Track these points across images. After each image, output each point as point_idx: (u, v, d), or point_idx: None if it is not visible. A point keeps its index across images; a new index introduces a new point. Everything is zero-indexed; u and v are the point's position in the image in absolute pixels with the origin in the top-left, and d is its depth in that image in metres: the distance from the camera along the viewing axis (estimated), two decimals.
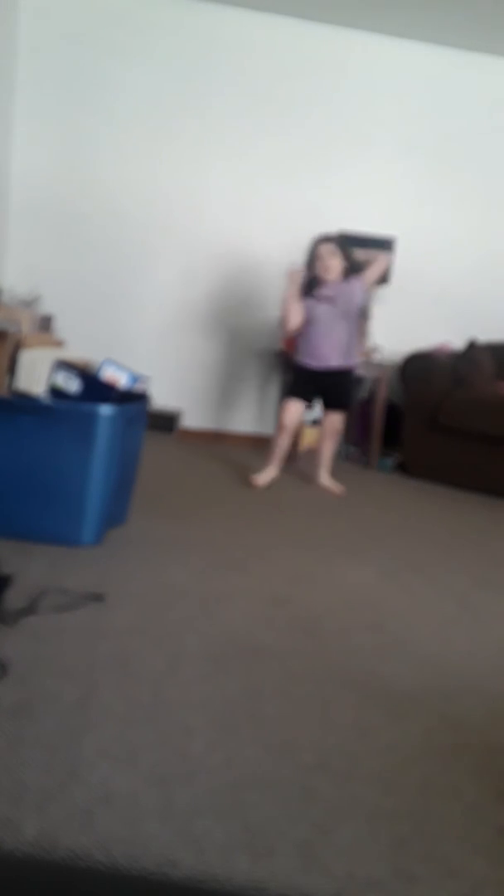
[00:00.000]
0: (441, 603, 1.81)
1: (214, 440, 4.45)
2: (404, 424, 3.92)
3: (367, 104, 4.32)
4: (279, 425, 3.09)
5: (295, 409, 3.06)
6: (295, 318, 3.10)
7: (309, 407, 3.18)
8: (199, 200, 4.27)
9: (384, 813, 0.92)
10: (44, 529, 1.89)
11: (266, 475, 3.08)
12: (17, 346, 3.00)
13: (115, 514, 2.04)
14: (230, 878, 0.78)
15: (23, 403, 1.92)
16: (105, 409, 1.84)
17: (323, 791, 0.95)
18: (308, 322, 3.10)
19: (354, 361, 3.18)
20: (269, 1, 4.02)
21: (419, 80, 4.36)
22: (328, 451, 3.23)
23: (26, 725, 1.03)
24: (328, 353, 3.08)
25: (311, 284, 3.07)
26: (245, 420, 4.55)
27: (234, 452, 4.06)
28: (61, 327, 4.10)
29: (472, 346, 3.87)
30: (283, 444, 3.10)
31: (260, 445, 4.55)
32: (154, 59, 4.11)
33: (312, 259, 3.05)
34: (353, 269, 3.06)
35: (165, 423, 4.25)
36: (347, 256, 3.07)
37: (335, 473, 3.42)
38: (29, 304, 3.72)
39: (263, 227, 4.36)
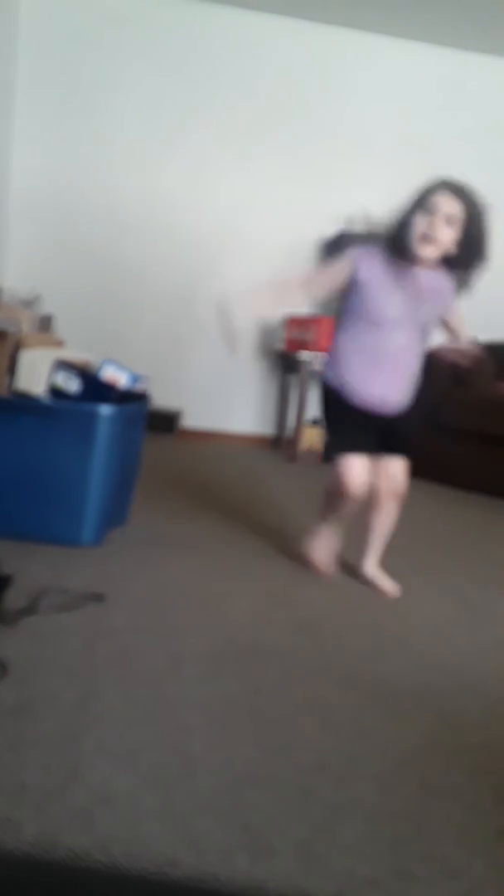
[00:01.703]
0: (441, 603, 1.81)
1: (214, 440, 4.46)
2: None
3: (367, 104, 4.32)
4: (338, 492, 1.81)
5: (362, 468, 1.78)
6: (323, 284, 1.92)
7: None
8: (199, 199, 4.28)
9: (384, 813, 0.92)
10: (44, 529, 1.89)
11: (323, 549, 1.95)
12: (17, 346, 2.99)
13: (115, 514, 2.04)
14: (230, 878, 0.78)
15: (23, 403, 1.92)
16: (105, 409, 1.84)
17: (323, 791, 0.95)
18: (367, 322, 1.77)
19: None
20: (270, 1, 4.02)
21: (419, 80, 4.36)
22: (383, 526, 1.93)
23: (26, 725, 1.03)
24: (396, 386, 1.81)
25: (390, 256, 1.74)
26: (245, 420, 4.55)
27: (234, 452, 4.06)
28: (61, 327, 4.09)
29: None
30: (346, 512, 1.89)
31: (260, 445, 4.55)
32: (154, 59, 4.11)
33: (414, 207, 1.70)
34: (470, 254, 1.72)
35: (165, 423, 4.25)
36: (475, 231, 1.69)
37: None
38: (29, 304, 3.72)
39: (264, 226, 4.36)
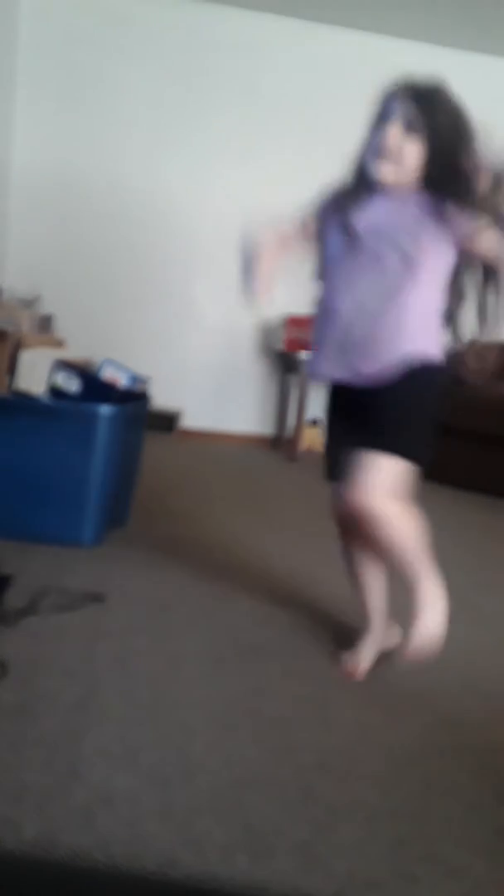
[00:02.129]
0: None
1: (214, 440, 4.46)
2: None
3: (367, 104, 4.32)
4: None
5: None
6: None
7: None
8: (198, 199, 4.28)
9: (384, 813, 0.92)
10: (44, 530, 1.89)
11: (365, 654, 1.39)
12: (17, 346, 2.99)
13: (115, 514, 2.04)
14: (230, 878, 0.78)
15: (23, 403, 1.92)
16: (105, 409, 1.84)
17: (323, 791, 0.95)
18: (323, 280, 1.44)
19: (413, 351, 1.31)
20: (269, 1, 4.02)
21: None
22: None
23: (26, 725, 1.03)
24: (357, 353, 1.33)
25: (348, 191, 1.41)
26: (245, 420, 4.55)
27: (234, 452, 4.06)
28: (61, 327, 4.09)
29: (472, 346, 3.87)
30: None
31: (260, 445, 4.55)
32: (154, 59, 4.11)
33: (372, 123, 1.34)
34: (446, 173, 1.26)
35: (165, 423, 4.25)
36: (447, 141, 1.27)
37: None
38: (29, 304, 3.72)
39: (264, 226, 4.35)
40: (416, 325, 1.32)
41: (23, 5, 3.94)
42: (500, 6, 3.79)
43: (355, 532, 1.36)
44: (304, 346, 3.97)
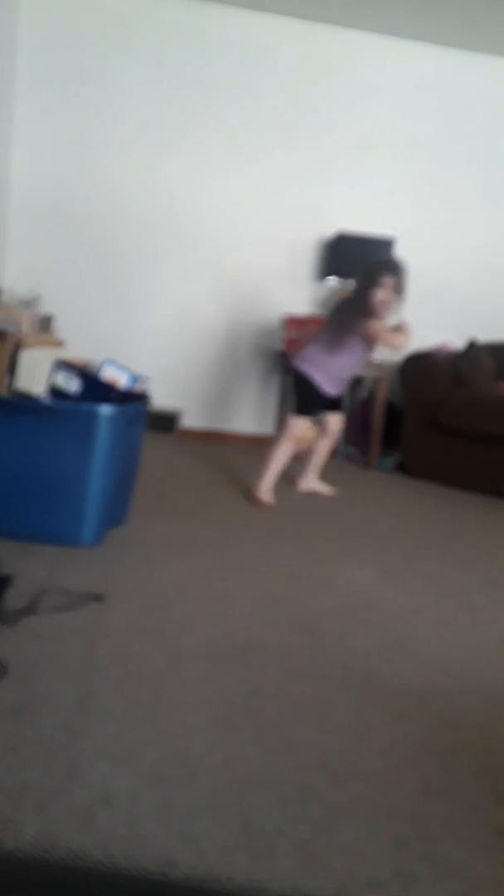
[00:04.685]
0: (441, 603, 1.81)
1: (214, 440, 4.46)
2: (404, 424, 3.92)
3: (367, 104, 4.32)
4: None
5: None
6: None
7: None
8: (199, 199, 4.28)
9: (384, 813, 0.92)
10: (44, 529, 1.89)
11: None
12: (17, 346, 2.99)
13: (115, 514, 2.04)
14: (230, 878, 0.78)
15: (23, 403, 1.92)
16: (105, 409, 1.84)
17: (323, 791, 0.95)
18: (333, 348, 2.83)
19: None
20: (270, 1, 4.02)
21: (419, 80, 4.36)
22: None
23: (26, 725, 1.03)
24: (345, 381, 3.00)
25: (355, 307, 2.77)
26: (245, 420, 4.55)
27: (233, 452, 4.06)
28: (61, 327, 4.10)
29: (472, 346, 3.87)
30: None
31: (260, 445, 4.55)
32: (154, 59, 4.11)
33: (367, 281, 2.73)
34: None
35: (165, 423, 4.25)
36: (399, 292, 2.74)
37: (337, 474, 3.41)
38: (29, 304, 3.72)
39: (264, 226, 4.36)
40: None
41: (23, 5, 3.94)
42: (500, 6, 3.79)
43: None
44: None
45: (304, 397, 2.91)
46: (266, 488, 2.82)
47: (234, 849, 0.82)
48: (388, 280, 2.69)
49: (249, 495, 2.84)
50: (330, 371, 2.87)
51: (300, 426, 2.89)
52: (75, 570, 1.72)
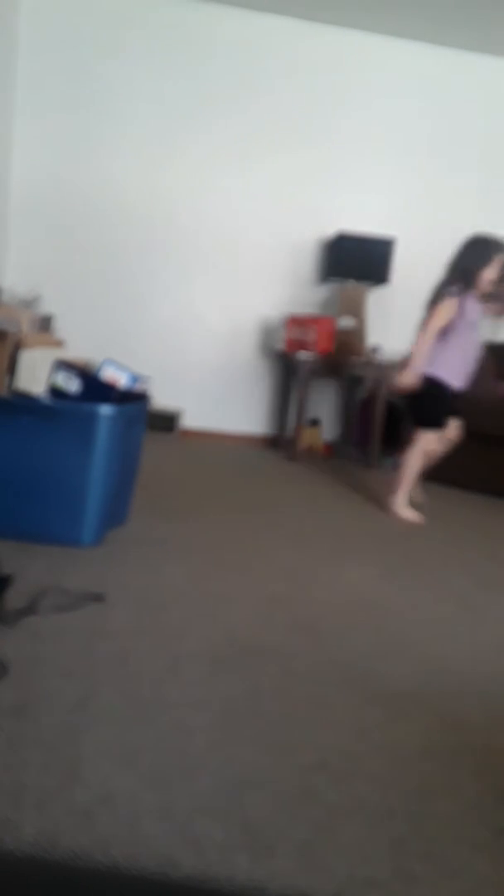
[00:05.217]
0: (441, 603, 1.81)
1: (214, 440, 4.46)
2: (404, 424, 3.92)
3: (367, 104, 4.32)
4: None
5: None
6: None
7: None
8: (199, 199, 4.28)
9: (384, 813, 0.92)
10: (44, 530, 1.89)
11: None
12: (17, 346, 2.99)
13: (115, 514, 2.04)
14: (230, 878, 0.78)
15: (23, 403, 1.92)
16: (105, 409, 1.84)
17: (323, 791, 0.95)
18: (458, 328, 2.69)
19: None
20: (270, 1, 4.02)
21: (419, 80, 4.36)
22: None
23: (26, 725, 1.03)
24: (470, 365, 2.82)
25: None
26: (245, 420, 4.55)
27: (234, 452, 4.06)
28: (61, 327, 4.10)
29: None
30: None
31: (260, 445, 4.55)
32: (155, 59, 4.11)
33: (478, 258, 2.67)
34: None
35: (165, 423, 4.25)
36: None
37: (338, 474, 3.40)
38: (29, 304, 3.72)
39: (264, 226, 4.36)
40: None
41: (23, 5, 3.94)
42: (500, 6, 3.79)
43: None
44: (304, 347, 3.97)
45: (432, 404, 2.76)
46: (401, 504, 2.81)
47: (234, 849, 0.82)
48: (499, 259, 2.62)
49: (387, 510, 2.84)
50: (450, 362, 2.72)
51: (431, 440, 2.78)
52: (75, 570, 1.72)
